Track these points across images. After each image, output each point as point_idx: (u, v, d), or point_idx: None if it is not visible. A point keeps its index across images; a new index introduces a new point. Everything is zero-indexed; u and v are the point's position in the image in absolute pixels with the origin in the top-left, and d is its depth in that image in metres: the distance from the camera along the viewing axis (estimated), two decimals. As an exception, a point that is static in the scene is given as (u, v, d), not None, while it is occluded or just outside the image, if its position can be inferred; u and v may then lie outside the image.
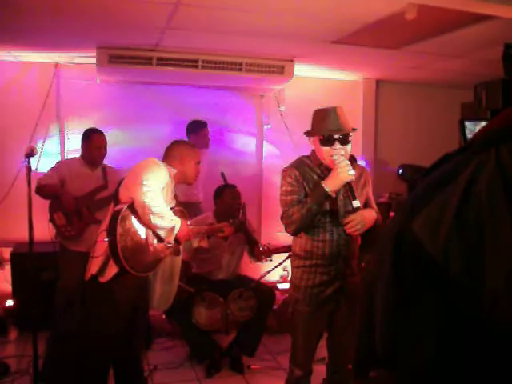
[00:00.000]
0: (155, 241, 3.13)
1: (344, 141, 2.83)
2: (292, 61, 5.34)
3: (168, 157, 3.31)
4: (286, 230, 2.94)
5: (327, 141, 2.82)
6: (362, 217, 2.84)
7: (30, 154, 3.54)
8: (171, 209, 3.18)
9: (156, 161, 3.16)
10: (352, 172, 2.77)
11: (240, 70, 5.23)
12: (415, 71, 5.82)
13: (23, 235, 4.08)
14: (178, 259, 3.43)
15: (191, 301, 4.29)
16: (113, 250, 2.91)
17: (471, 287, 0.71)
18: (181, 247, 3.39)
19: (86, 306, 3.30)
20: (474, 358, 0.72)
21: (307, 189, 2.88)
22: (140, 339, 3.52)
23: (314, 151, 2.97)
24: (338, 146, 2.81)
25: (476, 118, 1.24)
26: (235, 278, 4.75)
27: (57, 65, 5.50)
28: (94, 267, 3.06)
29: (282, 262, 4.99)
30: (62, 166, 4.57)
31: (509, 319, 0.67)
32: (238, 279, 4.74)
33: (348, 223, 2.82)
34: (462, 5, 3.17)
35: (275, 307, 4.94)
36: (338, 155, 2.79)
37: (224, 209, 4.58)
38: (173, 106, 5.94)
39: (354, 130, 2.90)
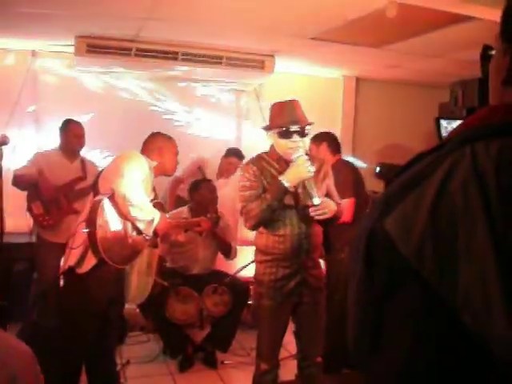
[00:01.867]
0: (134, 233, 3.10)
1: (302, 133, 2.83)
2: (272, 56, 5.33)
3: (146, 149, 3.29)
4: (244, 225, 2.95)
5: (285, 133, 2.82)
6: (328, 204, 2.83)
7: (3, 142, 3.49)
8: (150, 201, 3.16)
9: (137, 153, 3.16)
10: (311, 169, 2.76)
11: (220, 63, 5.21)
12: (395, 70, 5.86)
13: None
14: (155, 252, 3.42)
15: (165, 295, 4.26)
16: (92, 241, 2.89)
17: (443, 288, 0.70)
18: (158, 240, 3.38)
19: (62, 298, 3.26)
20: (447, 358, 0.72)
21: (265, 183, 2.88)
22: (114, 332, 3.48)
23: (272, 146, 2.97)
24: (296, 138, 2.81)
25: (452, 117, 1.24)
26: (210, 273, 4.73)
27: (34, 52, 5.41)
28: (72, 258, 3.02)
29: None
30: (40, 156, 4.50)
31: (480, 322, 0.67)
32: (213, 274, 4.72)
33: (315, 206, 2.75)
34: (441, 5, 3.19)
35: (250, 302, 4.93)
36: (296, 151, 2.79)
37: (200, 203, 4.56)
38: (152, 96, 5.90)
39: (310, 123, 2.88)
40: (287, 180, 2.76)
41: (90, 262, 2.97)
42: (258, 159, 2.97)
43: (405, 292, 0.74)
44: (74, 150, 4.54)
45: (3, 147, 3.51)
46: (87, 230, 2.89)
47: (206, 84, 6.03)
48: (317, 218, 2.81)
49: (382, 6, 3.36)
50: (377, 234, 0.77)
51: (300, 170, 2.75)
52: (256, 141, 5.87)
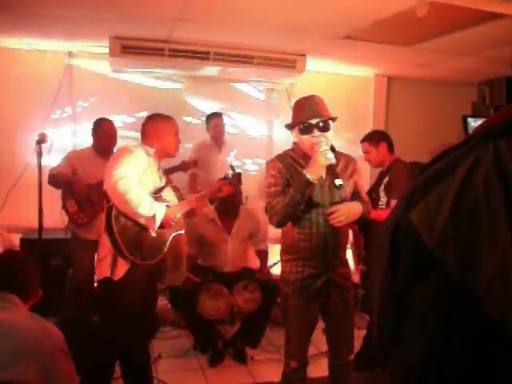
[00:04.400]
0: None
1: (323, 128, 2.79)
2: (304, 55, 5.34)
3: (144, 135, 3.22)
4: (270, 221, 2.90)
5: (306, 129, 2.79)
6: (348, 208, 2.80)
7: (41, 140, 3.59)
8: (161, 189, 3.15)
9: (127, 148, 3.09)
10: (330, 156, 2.71)
11: (251, 63, 5.25)
12: (426, 69, 5.81)
13: (33, 222, 4.14)
14: (182, 236, 3.38)
15: (197, 291, 4.32)
16: (117, 248, 2.92)
17: (465, 279, 0.72)
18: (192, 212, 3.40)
19: (101, 303, 3.30)
20: (468, 347, 0.74)
21: (290, 180, 2.84)
22: (147, 327, 3.52)
23: (295, 143, 2.95)
24: (316, 132, 2.77)
25: (478, 115, 1.26)
26: (241, 271, 4.76)
27: (70, 53, 5.54)
28: (105, 269, 3.03)
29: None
30: (74, 155, 4.60)
31: (502, 314, 0.69)
32: (244, 271, 4.75)
33: (331, 213, 2.76)
34: (472, 2, 3.18)
35: (279, 300, 4.96)
36: (317, 141, 2.76)
37: (224, 199, 4.44)
38: (186, 95, 5.99)
39: (332, 118, 2.84)
40: (309, 172, 2.72)
41: (123, 267, 2.99)
42: (284, 156, 2.95)
43: (429, 282, 0.77)
44: (107, 149, 4.62)
45: (42, 145, 3.60)
46: (109, 239, 2.92)
47: (238, 83, 6.09)
48: (335, 224, 2.76)
49: (413, 5, 3.36)
50: (402, 226, 0.80)
51: (318, 157, 2.71)
52: (287, 138, 5.91)
